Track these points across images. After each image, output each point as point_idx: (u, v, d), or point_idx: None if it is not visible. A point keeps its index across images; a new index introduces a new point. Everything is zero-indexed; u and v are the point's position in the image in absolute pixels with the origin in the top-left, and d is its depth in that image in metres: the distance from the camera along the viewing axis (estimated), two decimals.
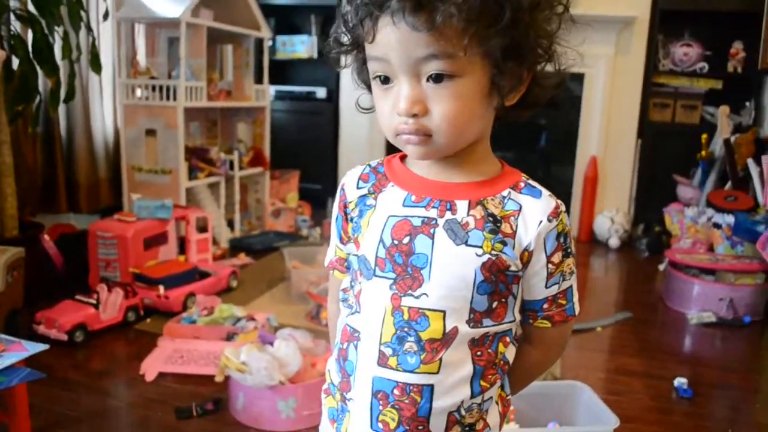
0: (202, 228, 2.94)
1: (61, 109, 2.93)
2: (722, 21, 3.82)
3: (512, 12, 0.67)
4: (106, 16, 2.68)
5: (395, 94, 0.70)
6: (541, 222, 0.73)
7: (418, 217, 0.74)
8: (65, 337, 2.08)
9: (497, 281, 0.73)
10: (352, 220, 0.81)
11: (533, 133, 4.22)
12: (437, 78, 0.68)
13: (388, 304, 0.74)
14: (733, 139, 3.34)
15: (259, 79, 3.78)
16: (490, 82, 0.71)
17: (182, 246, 2.84)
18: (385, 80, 0.71)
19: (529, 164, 4.24)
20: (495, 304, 0.74)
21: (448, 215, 0.73)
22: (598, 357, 2.27)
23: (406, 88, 0.68)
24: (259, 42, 3.72)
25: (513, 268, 0.74)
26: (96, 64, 2.68)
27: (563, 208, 0.76)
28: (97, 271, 2.52)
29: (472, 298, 0.73)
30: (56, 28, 2.52)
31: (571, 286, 0.79)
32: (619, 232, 3.81)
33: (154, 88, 3.07)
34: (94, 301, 2.21)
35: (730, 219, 3.00)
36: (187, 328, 2.18)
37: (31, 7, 2.55)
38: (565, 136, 4.10)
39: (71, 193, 3.02)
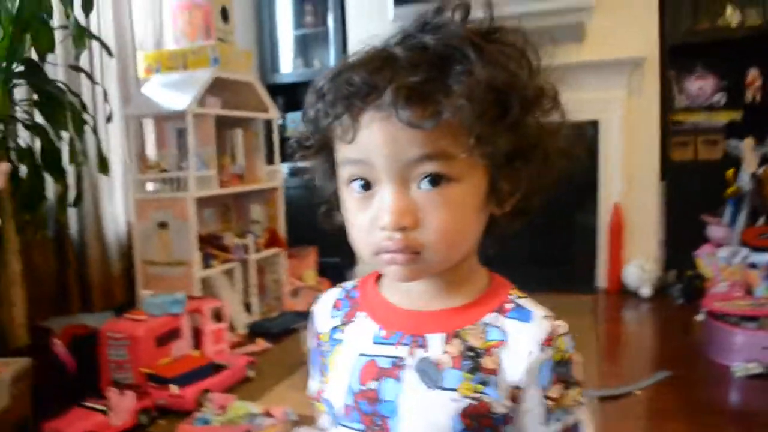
0: (218, 317, 2.88)
1: (72, 211, 2.95)
2: (734, 49, 3.71)
3: (519, 105, 0.59)
4: (109, 118, 2.72)
5: (377, 205, 0.60)
6: (531, 353, 0.62)
7: (387, 357, 0.64)
8: None
9: (481, 427, 0.61)
10: (324, 354, 0.71)
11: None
12: (431, 183, 0.58)
13: None
14: (760, 171, 3.20)
15: (270, 159, 3.79)
16: (488, 187, 0.61)
17: (197, 338, 2.78)
18: (365, 187, 0.61)
19: (550, 214, 4.12)
20: None
21: (420, 353, 0.63)
22: (641, 425, 2.11)
23: (394, 197, 0.58)
24: (269, 122, 3.74)
25: (500, 410, 0.61)
26: (103, 166, 2.70)
27: (561, 330, 0.64)
28: (108, 373, 2.47)
29: None
30: (63, 133, 2.56)
31: (579, 422, 0.64)
32: (651, 281, 3.64)
33: (164, 181, 3.08)
34: (104, 407, 2.15)
35: (767, 258, 2.84)
36: (201, 429, 2.10)
37: (37, 116, 2.61)
38: (585, 183, 3.99)
39: (84, 292, 3.01)
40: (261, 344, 3.04)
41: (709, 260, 3.17)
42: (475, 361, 0.62)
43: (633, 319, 3.50)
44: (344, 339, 0.68)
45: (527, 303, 0.66)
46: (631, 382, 2.39)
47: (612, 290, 3.82)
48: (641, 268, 3.66)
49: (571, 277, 3.95)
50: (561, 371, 0.63)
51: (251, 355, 2.78)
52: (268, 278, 3.69)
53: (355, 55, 0.61)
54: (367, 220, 0.61)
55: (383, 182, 0.59)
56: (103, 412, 2.13)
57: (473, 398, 0.61)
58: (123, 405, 2.18)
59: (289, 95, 4.57)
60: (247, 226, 3.67)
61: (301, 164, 0.72)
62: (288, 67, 4.77)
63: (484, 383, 0.61)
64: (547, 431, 0.64)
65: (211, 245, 3.19)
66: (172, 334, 2.58)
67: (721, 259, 3.11)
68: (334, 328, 0.70)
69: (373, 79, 0.56)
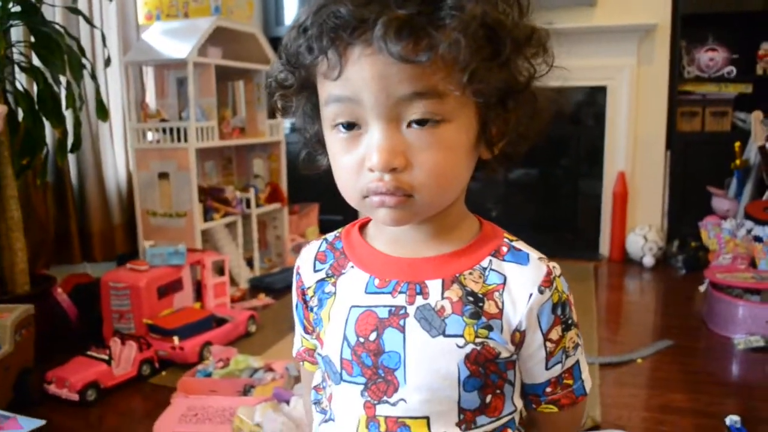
0: (220, 270, 2.86)
1: (72, 157, 2.90)
2: (747, 22, 3.67)
3: (512, 44, 0.56)
4: (108, 62, 2.64)
5: (365, 145, 0.57)
6: (531, 295, 0.61)
7: (384, 306, 0.61)
8: (76, 397, 2.00)
9: (487, 373, 0.61)
10: (312, 309, 0.68)
11: (557, 148, 4.08)
12: (421, 123, 0.55)
13: (362, 413, 0.62)
14: None
15: (272, 113, 3.72)
16: (478, 128, 0.59)
17: (199, 291, 2.76)
18: (350, 126, 0.58)
19: (556, 180, 4.11)
20: (489, 399, 0.62)
21: (419, 301, 0.61)
22: (641, 393, 2.11)
23: (383, 136, 0.55)
24: None
25: (504, 354, 0.61)
26: (102, 112, 2.63)
27: (557, 271, 0.63)
28: (110, 323, 2.45)
29: (460, 397, 0.60)
30: (61, 78, 2.49)
31: (577, 362, 0.66)
32: (653, 250, 3.64)
33: (165, 131, 3.02)
34: (107, 357, 2.13)
35: None
36: (202, 382, 2.08)
37: (34, 59, 2.53)
38: (590, 151, 3.97)
39: (85, 242, 2.97)
40: (262, 299, 3.03)
41: (713, 232, 3.17)
42: (477, 306, 0.60)
43: (635, 288, 3.50)
44: (336, 291, 0.65)
45: (522, 246, 0.65)
46: (631, 350, 2.40)
47: (615, 258, 3.82)
48: (644, 237, 3.66)
49: (574, 243, 3.96)
50: (559, 312, 0.63)
51: (253, 310, 2.76)
52: (270, 234, 3.67)
53: None
54: (354, 161, 0.58)
55: (371, 121, 0.56)
56: (105, 361, 2.11)
57: (478, 343, 0.60)
58: (125, 355, 2.16)
59: None
60: (248, 180, 3.63)
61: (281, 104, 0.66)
62: (292, 20, 4.65)
63: (488, 328, 0.60)
64: (549, 375, 0.65)
65: (212, 198, 3.14)
66: (174, 286, 2.56)
67: (725, 231, 3.10)
68: (321, 281, 0.67)
69: (362, 11, 0.53)
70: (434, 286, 0.61)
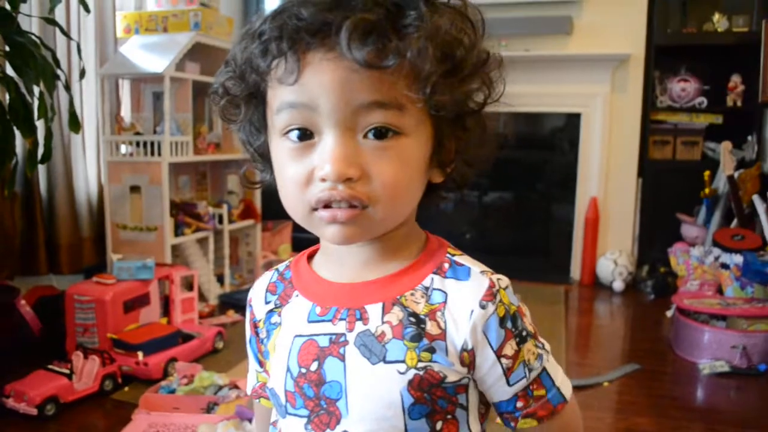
0: (190, 286, 2.83)
1: (42, 168, 2.86)
2: (719, 55, 3.75)
3: (471, 62, 0.56)
4: (82, 74, 2.62)
5: (317, 154, 0.55)
6: (472, 312, 0.58)
7: (325, 334, 0.60)
8: (35, 411, 1.95)
9: (434, 399, 0.58)
10: (263, 342, 0.66)
11: (531, 173, 4.12)
12: (379, 134, 0.53)
13: None
14: (737, 175, 3.24)
15: None
16: (432, 147, 0.58)
17: (167, 306, 2.73)
18: (302, 135, 0.55)
19: (529, 204, 4.14)
20: (440, 425, 0.59)
21: (359, 327, 0.59)
22: (607, 417, 2.11)
23: (338, 143, 0.53)
24: None
25: (451, 377, 0.58)
26: (74, 124, 2.60)
27: (502, 284, 0.60)
28: (74, 336, 2.40)
29: (406, 426, 0.57)
30: (34, 88, 2.46)
31: (544, 370, 0.62)
32: (623, 275, 3.67)
33: (138, 144, 3.00)
34: (68, 371, 2.09)
35: (738, 259, 2.88)
36: (165, 398, 2.05)
37: (8, 69, 2.50)
38: (563, 176, 4.01)
39: (52, 253, 2.92)
40: (231, 316, 3.00)
41: (682, 258, 3.21)
42: (419, 328, 0.58)
43: (604, 312, 3.53)
44: (281, 322, 0.64)
45: (464, 260, 0.62)
46: (598, 373, 2.41)
47: (585, 282, 3.85)
48: (614, 262, 3.69)
49: (546, 267, 3.98)
50: (509, 326, 0.59)
51: (221, 326, 2.73)
52: (242, 250, 3.65)
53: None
54: (304, 172, 0.55)
55: (326, 130, 0.54)
56: (67, 375, 2.07)
57: (420, 368, 0.57)
58: (87, 369, 2.12)
59: None
60: (222, 196, 3.60)
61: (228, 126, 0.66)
62: (243, 30, 4.66)
63: (430, 350, 0.57)
64: (514, 390, 0.61)
65: (184, 213, 3.12)
66: (141, 300, 2.53)
67: (693, 258, 3.14)
68: (270, 312, 0.66)
69: (325, 15, 0.52)
70: (374, 310, 0.59)
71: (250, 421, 1.72)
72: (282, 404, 0.62)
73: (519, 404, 0.62)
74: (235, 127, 0.65)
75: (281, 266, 0.70)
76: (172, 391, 2.10)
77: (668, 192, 3.75)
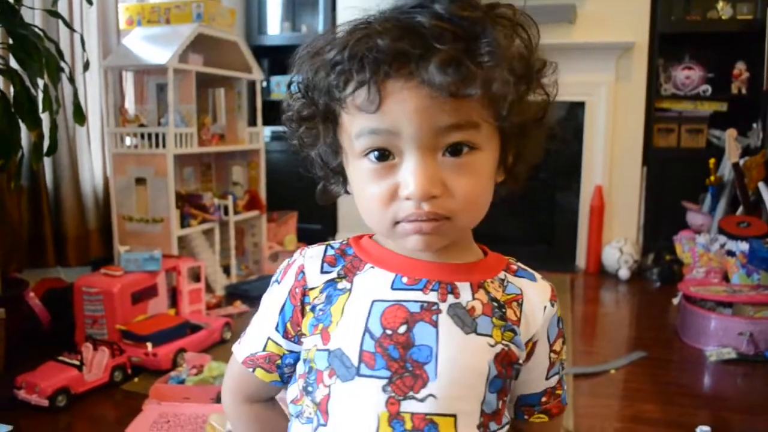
0: (196, 277, 2.84)
1: (48, 161, 2.87)
2: (723, 42, 3.75)
3: (537, 72, 0.60)
4: (86, 66, 2.62)
5: (400, 174, 0.58)
6: (545, 308, 0.67)
7: (415, 301, 0.62)
8: (46, 403, 1.96)
9: (506, 376, 0.63)
10: (314, 309, 0.65)
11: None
12: (456, 152, 0.57)
13: (383, 410, 0.59)
14: (742, 162, 3.23)
15: (253, 121, 3.72)
16: (498, 157, 0.62)
17: (174, 297, 2.74)
18: (382, 157, 0.59)
19: (534, 193, 4.13)
20: (500, 404, 0.64)
21: (451, 299, 0.62)
22: (614, 404, 2.12)
23: (422, 165, 0.57)
24: (252, 84, 3.66)
25: (520, 360, 0.64)
26: (79, 116, 2.60)
27: (555, 291, 0.69)
28: (83, 328, 2.42)
29: (484, 398, 0.61)
30: (38, 81, 2.46)
31: (564, 375, 0.71)
32: (629, 263, 3.68)
33: (143, 136, 3.00)
34: (78, 362, 2.10)
35: (744, 246, 2.88)
36: (175, 388, 2.06)
37: (12, 62, 2.50)
38: (568, 165, 4.00)
39: (59, 246, 2.93)
40: (238, 307, 3.01)
41: (687, 246, 3.21)
42: (501, 311, 0.64)
43: (611, 300, 3.53)
44: (351, 288, 0.64)
45: (526, 266, 0.71)
46: (605, 361, 2.42)
47: (591, 271, 3.86)
48: (620, 250, 3.70)
49: (552, 256, 3.98)
50: (561, 326, 0.69)
51: (228, 317, 2.74)
52: (248, 241, 3.65)
53: (353, 24, 0.59)
54: (386, 190, 0.59)
55: (408, 151, 0.57)
56: (77, 367, 2.08)
57: (504, 345, 0.62)
58: (97, 361, 2.13)
59: (275, 58, 4.48)
60: (227, 187, 3.61)
61: (283, 128, 0.69)
62: (275, 29, 4.66)
63: (512, 332, 0.63)
64: (547, 384, 0.69)
65: (189, 204, 3.13)
66: (149, 292, 2.54)
67: (699, 246, 3.15)
68: (331, 281, 0.65)
69: (400, 45, 0.54)
70: (464, 287, 0.63)
71: None
72: (352, 365, 0.61)
73: (543, 399, 0.70)
74: (313, 150, 0.67)
75: (335, 243, 0.70)
76: (182, 382, 2.11)
77: (673, 180, 3.75)
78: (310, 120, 0.63)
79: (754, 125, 3.60)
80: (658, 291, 3.45)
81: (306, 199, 4.29)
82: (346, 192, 0.69)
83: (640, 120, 3.86)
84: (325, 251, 0.68)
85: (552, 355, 0.68)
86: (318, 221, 4.15)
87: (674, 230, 3.45)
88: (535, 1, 3.65)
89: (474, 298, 0.63)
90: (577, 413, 1.96)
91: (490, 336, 0.62)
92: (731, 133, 3.35)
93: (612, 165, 3.90)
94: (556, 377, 0.70)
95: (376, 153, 0.59)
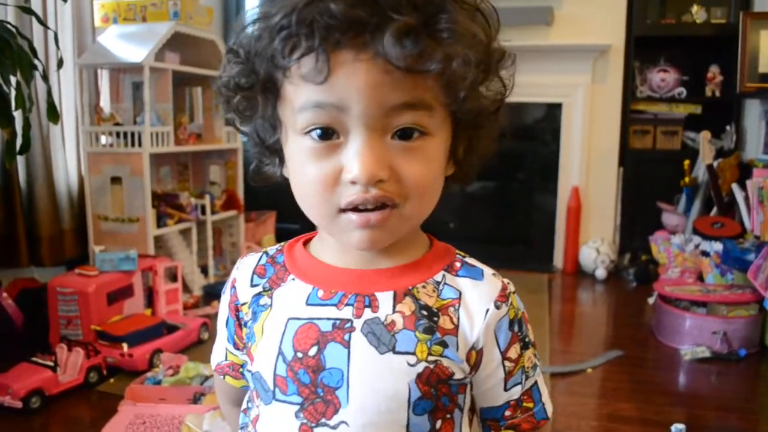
0: (173, 277, 2.81)
1: (21, 160, 2.81)
2: (698, 46, 3.81)
3: (495, 64, 0.56)
4: (60, 64, 2.58)
5: (343, 155, 0.53)
6: (488, 311, 0.59)
7: (328, 319, 0.57)
8: (20, 404, 1.93)
9: (439, 395, 0.57)
10: (246, 324, 0.63)
11: (513, 162, 4.13)
12: (407, 135, 0.53)
13: None
14: (716, 164, 3.28)
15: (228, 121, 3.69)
16: (449, 146, 0.58)
17: (151, 297, 2.71)
18: (325, 135, 0.53)
19: (512, 194, 4.16)
20: (439, 424, 0.58)
21: (368, 314, 0.57)
22: (590, 402, 2.14)
23: (369, 146, 0.52)
24: None
25: (457, 375, 0.58)
26: (53, 114, 2.56)
27: (512, 287, 0.62)
28: (57, 329, 2.38)
29: (408, 421, 0.56)
30: (11, 78, 2.42)
31: (536, 383, 0.64)
32: (606, 263, 3.71)
33: (118, 135, 2.97)
34: (52, 363, 2.07)
35: (718, 246, 2.92)
36: (151, 389, 2.04)
37: None
38: (545, 165, 4.04)
39: (33, 245, 2.88)
40: (216, 307, 2.97)
41: (663, 246, 3.25)
42: (431, 321, 0.57)
43: (588, 300, 3.57)
44: (272, 304, 0.61)
45: (474, 262, 0.64)
46: (582, 360, 2.44)
47: (568, 271, 3.88)
48: (596, 250, 3.73)
49: (529, 256, 4.01)
50: (516, 329, 0.61)
51: (206, 317, 2.72)
52: (226, 241, 3.63)
53: None
54: (329, 173, 0.54)
55: (354, 131, 0.53)
56: (51, 368, 2.05)
57: (431, 361, 0.56)
58: (72, 361, 2.10)
59: None
60: (204, 187, 3.58)
61: (223, 111, 0.63)
62: (252, 15, 4.63)
63: (442, 344, 0.57)
64: (508, 396, 0.62)
65: (166, 203, 3.09)
66: (124, 292, 2.51)
67: (674, 246, 3.19)
68: (258, 295, 0.63)
69: (355, 12, 0.49)
70: (385, 298, 0.58)
71: None
72: (269, 389, 0.59)
73: (507, 413, 0.63)
74: (248, 124, 0.62)
75: (271, 250, 0.68)
76: (158, 382, 2.09)
77: (649, 181, 3.79)
78: (248, 89, 0.57)
79: (728, 127, 3.66)
80: (634, 291, 3.48)
81: (285, 199, 4.28)
82: (282, 175, 0.64)
83: (617, 121, 3.90)
84: (258, 261, 0.66)
85: (507, 363, 0.61)
86: (296, 220, 4.12)
87: (650, 230, 3.49)
88: (512, 2, 3.74)
89: (395, 311, 0.57)
90: (554, 411, 1.96)
91: (412, 353, 0.56)
92: (705, 135, 3.40)
93: (589, 166, 3.93)
94: (519, 388, 0.62)
95: (318, 131, 0.53)
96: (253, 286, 0.64)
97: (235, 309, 0.65)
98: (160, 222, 3.01)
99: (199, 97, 3.52)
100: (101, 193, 2.96)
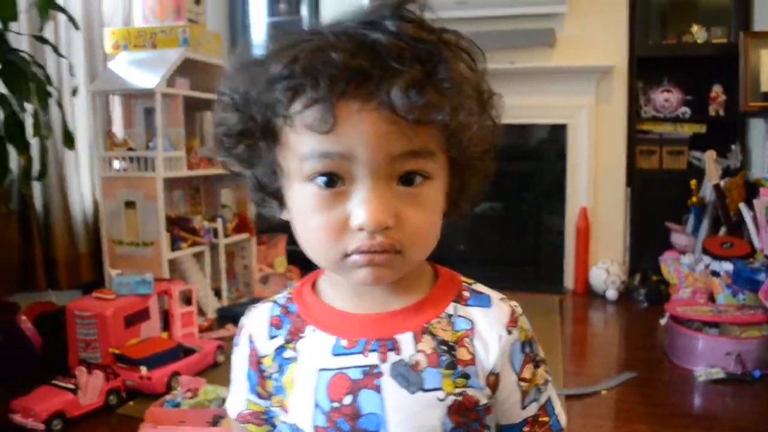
0: (187, 300, 2.83)
1: (37, 185, 2.85)
2: (700, 65, 3.84)
3: (487, 106, 0.59)
4: (74, 92, 2.62)
5: (350, 202, 0.54)
6: (501, 337, 0.62)
7: (356, 367, 0.59)
8: (42, 427, 1.95)
9: (469, 422, 0.60)
10: (271, 377, 0.65)
11: (520, 183, 4.16)
12: (409, 181, 0.55)
13: None
14: (722, 183, 3.31)
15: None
16: (446, 189, 0.60)
17: (166, 321, 2.73)
18: (331, 182, 0.54)
19: (520, 215, 4.19)
20: None
21: (393, 357, 0.59)
22: (605, 425, 2.14)
23: (376, 194, 0.53)
24: None
25: (483, 401, 0.61)
26: (68, 140, 2.61)
27: (519, 310, 0.64)
28: (76, 352, 2.40)
29: None
30: (27, 105, 2.46)
31: (549, 398, 0.66)
32: (616, 284, 3.72)
33: (132, 160, 3.00)
34: (73, 386, 2.09)
35: (728, 266, 2.94)
36: (170, 412, 2.05)
37: (1, 87, 2.50)
38: (552, 186, 4.06)
39: (50, 269, 2.91)
40: (230, 330, 3.00)
41: (673, 266, 3.27)
42: (451, 355, 0.60)
43: (598, 321, 3.57)
44: (297, 357, 0.63)
45: (481, 288, 0.66)
46: (596, 382, 2.44)
47: (578, 292, 3.89)
48: (606, 271, 3.74)
49: (538, 277, 4.02)
50: (528, 350, 0.64)
51: (220, 339, 2.73)
52: (238, 264, 3.65)
53: (293, 37, 0.55)
54: (335, 220, 0.55)
55: (361, 178, 0.54)
56: (72, 390, 2.07)
57: (458, 394, 0.59)
58: (92, 384, 2.12)
59: None
60: (216, 210, 3.61)
61: (218, 156, 0.62)
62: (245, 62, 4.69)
63: (465, 376, 0.60)
64: (525, 414, 0.65)
65: (179, 227, 3.12)
66: (141, 315, 2.53)
67: (684, 266, 3.20)
68: (281, 348, 0.64)
69: (357, 62, 0.51)
70: (405, 339, 0.60)
71: None
72: None
73: (525, 429, 0.66)
74: (249, 171, 0.62)
75: (279, 298, 0.68)
76: (177, 405, 2.10)
77: (657, 201, 3.81)
78: (248, 137, 0.58)
79: (733, 146, 3.69)
80: (645, 311, 3.49)
81: None
82: (281, 217, 0.65)
83: (622, 142, 3.92)
84: (271, 312, 0.67)
85: (522, 384, 0.63)
86: None
87: (660, 250, 3.50)
88: (514, 25, 3.80)
89: (417, 351, 0.59)
90: None
91: (440, 389, 0.59)
92: (710, 155, 3.42)
93: (596, 186, 3.96)
94: (535, 404, 0.65)
95: (324, 178, 0.54)
96: (272, 338, 0.65)
97: (257, 362, 0.66)
98: (174, 245, 3.04)
99: (209, 121, 3.56)
100: (115, 218, 2.99)
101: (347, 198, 0.54)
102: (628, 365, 2.64)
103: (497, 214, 4.18)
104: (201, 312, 3.11)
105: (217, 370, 2.52)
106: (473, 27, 3.51)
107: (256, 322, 0.67)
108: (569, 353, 2.87)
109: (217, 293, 3.38)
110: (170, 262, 3.00)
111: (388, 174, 0.54)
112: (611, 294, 3.71)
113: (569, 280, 3.98)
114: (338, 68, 0.50)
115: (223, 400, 2.07)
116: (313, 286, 0.67)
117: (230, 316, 3.17)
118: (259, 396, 0.67)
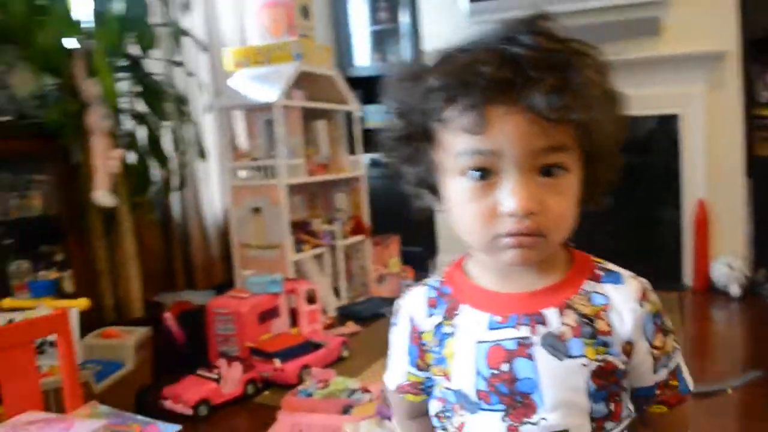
0: (311, 299, 3.01)
1: (174, 196, 3.12)
2: None
3: (616, 106, 0.68)
4: (207, 109, 2.86)
5: (499, 192, 0.64)
6: (634, 310, 0.69)
7: (510, 339, 0.68)
8: (190, 412, 2.17)
9: (609, 384, 0.69)
10: (431, 350, 0.75)
11: (631, 176, 4.04)
12: (550, 173, 0.64)
13: None
14: None
15: (352, 150, 3.90)
16: (581, 180, 0.69)
17: (294, 318, 2.91)
18: (483, 175, 0.64)
19: (632, 208, 4.08)
20: (612, 406, 0.70)
21: (541, 330, 0.68)
22: (731, 425, 2.10)
23: (522, 184, 0.63)
24: (348, 114, 3.86)
25: (621, 366, 0.69)
26: (203, 154, 2.85)
27: (648, 285, 0.72)
28: (216, 346, 2.62)
29: (591, 408, 0.68)
30: (164, 123, 2.72)
31: (678, 364, 0.74)
32: (740, 279, 3.55)
33: (256, 169, 3.22)
34: (216, 376, 2.30)
35: None
36: (304, 401, 2.20)
37: (138, 107, 2.76)
38: (664, 178, 3.93)
39: (188, 272, 3.18)
40: (351, 327, 3.15)
41: None
42: (591, 327, 0.68)
43: (722, 318, 3.43)
44: (455, 331, 0.72)
45: (612, 266, 0.74)
46: (721, 380, 2.35)
47: (699, 288, 3.73)
48: (729, 266, 3.58)
49: (656, 273, 3.82)
50: (658, 321, 0.71)
51: (343, 336, 2.89)
52: (355, 264, 3.80)
53: (444, 54, 0.66)
54: (486, 208, 0.64)
55: (509, 171, 0.63)
56: (215, 380, 2.27)
57: (600, 360, 0.67)
58: (232, 375, 2.31)
59: (365, 88, 4.64)
60: (332, 214, 3.79)
61: (384, 157, 0.76)
62: (363, 61, 4.88)
63: (605, 345, 0.68)
64: (657, 378, 0.73)
65: (301, 231, 3.32)
66: (272, 312, 2.73)
67: None
68: (439, 325, 0.74)
69: (502, 73, 0.60)
70: (551, 314, 0.68)
71: (389, 419, 1.84)
72: (474, 402, 0.70)
73: (657, 392, 0.74)
74: (410, 169, 0.73)
75: (433, 282, 0.78)
76: (310, 395, 2.25)
77: None
78: (408, 141, 0.69)
79: None
80: None
81: (406, 223, 4.43)
82: (438, 209, 0.74)
83: (739, 129, 3.73)
84: (427, 293, 0.77)
85: (654, 351, 0.71)
86: (419, 244, 4.25)
87: None
88: (617, 16, 3.72)
89: (562, 324, 0.68)
90: None
91: (584, 356, 0.67)
92: None
93: (713, 177, 3.79)
94: (665, 370, 0.72)
95: (478, 172, 0.64)
96: (430, 316, 0.75)
97: (418, 338, 0.76)
98: (297, 248, 3.23)
99: (324, 130, 3.75)
100: (244, 223, 3.22)
101: (496, 188, 0.64)
102: (754, 363, 2.53)
103: (608, 208, 4.07)
104: (323, 311, 3.28)
105: (342, 363, 2.67)
106: (576, 20, 3.48)
107: (414, 303, 0.78)
108: (692, 351, 2.79)
109: (336, 292, 3.55)
110: (294, 263, 3.19)
111: (531, 167, 0.63)
112: (734, 290, 3.54)
113: (688, 276, 3.85)
114: (487, 79, 0.60)
115: (352, 391, 2.23)
116: (462, 270, 0.76)
117: (350, 314, 3.33)
118: (419, 368, 0.78)
